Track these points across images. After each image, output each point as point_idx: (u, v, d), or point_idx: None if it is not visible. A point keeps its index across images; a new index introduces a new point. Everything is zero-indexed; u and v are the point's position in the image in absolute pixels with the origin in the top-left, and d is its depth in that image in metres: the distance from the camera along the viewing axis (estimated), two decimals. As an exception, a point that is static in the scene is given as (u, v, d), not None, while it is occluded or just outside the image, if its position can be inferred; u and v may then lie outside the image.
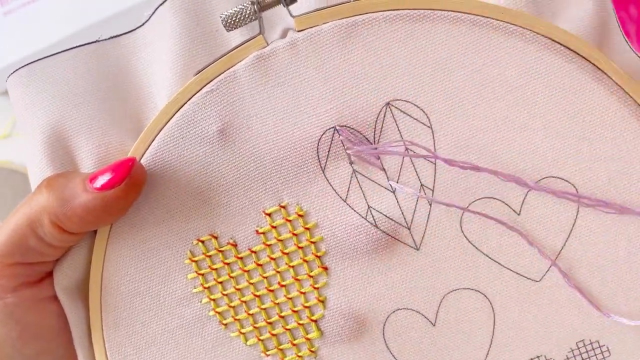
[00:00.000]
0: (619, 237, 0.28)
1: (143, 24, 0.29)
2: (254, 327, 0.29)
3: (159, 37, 0.29)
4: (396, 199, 0.28)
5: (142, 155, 0.28)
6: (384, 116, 0.27)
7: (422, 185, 0.28)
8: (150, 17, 0.29)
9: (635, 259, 0.28)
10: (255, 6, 0.27)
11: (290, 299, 0.29)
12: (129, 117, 0.29)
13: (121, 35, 0.29)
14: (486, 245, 0.28)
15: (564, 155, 0.27)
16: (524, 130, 0.27)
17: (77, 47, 0.29)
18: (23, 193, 0.48)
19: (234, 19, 0.27)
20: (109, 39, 0.29)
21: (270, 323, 0.29)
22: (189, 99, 0.28)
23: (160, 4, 0.28)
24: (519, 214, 0.28)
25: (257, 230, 0.28)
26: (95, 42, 0.29)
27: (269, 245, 0.29)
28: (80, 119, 0.29)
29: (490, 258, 0.28)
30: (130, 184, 0.27)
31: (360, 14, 0.27)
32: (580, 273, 0.28)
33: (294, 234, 0.28)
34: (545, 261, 0.28)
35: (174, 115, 0.28)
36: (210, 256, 0.29)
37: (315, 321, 0.29)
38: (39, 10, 0.44)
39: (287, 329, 0.29)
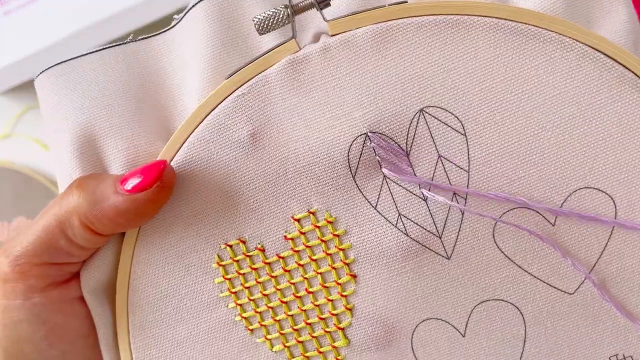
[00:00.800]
0: (657, 250, 0.27)
1: (173, 25, 0.29)
2: (280, 334, 0.29)
3: (189, 39, 0.29)
4: (428, 207, 0.27)
5: (172, 158, 0.28)
6: (417, 123, 0.27)
7: (454, 193, 0.27)
8: (180, 19, 0.29)
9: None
10: (289, 10, 0.27)
11: (318, 306, 0.29)
12: (158, 120, 0.29)
13: (151, 36, 0.29)
14: (519, 256, 0.28)
15: (602, 166, 0.27)
16: (561, 139, 0.27)
17: (106, 47, 0.29)
18: (23, 193, 0.48)
19: (267, 22, 0.27)
20: (139, 39, 0.29)
21: (296, 330, 0.29)
22: (220, 103, 0.28)
23: (192, 6, 0.28)
24: (553, 225, 0.27)
25: (285, 236, 0.28)
26: (124, 43, 0.29)
27: (297, 252, 0.28)
28: (110, 121, 0.29)
29: (523, 269, 0.28)
30: (161, 187, 0.27)
31: (395, 19, 0.26)
32: (615, 287, 0.27)
33: (322, 241, 0.28)
34: (580, 274, 0.27)
35: (205, 118, 0.28)
36: (237, 261, 0.29)
37: (343, 329, 0.29)
38: (38, 10, 0.44)
39: (313, 337, 0.29)
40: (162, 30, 0.29)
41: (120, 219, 0.27)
